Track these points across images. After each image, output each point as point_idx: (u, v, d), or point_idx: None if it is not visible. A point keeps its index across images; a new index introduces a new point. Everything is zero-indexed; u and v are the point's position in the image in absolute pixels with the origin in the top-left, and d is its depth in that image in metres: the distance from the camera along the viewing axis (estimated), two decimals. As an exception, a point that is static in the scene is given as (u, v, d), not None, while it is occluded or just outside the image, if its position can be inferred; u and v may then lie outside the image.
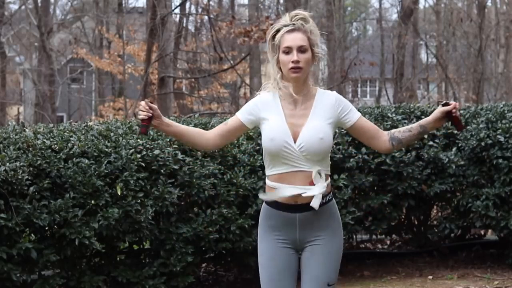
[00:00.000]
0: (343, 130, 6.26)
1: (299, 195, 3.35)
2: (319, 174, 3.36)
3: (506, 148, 6.59)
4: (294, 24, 3.36)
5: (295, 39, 3.34)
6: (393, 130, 3.48)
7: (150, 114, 3.36)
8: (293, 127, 3.36)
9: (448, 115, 3.40)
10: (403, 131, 3.47)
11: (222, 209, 5.96)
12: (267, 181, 3.44)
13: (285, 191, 3.35)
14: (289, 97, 3.40)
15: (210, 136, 3.48)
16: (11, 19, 25.87)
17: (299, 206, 3.36)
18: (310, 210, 3.36)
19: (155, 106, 3.40)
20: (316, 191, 3.34)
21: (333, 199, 3.48)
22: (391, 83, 26.57)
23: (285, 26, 3.37)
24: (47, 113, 22.10)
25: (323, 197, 3.37)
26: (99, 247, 5.47)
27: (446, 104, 3.37)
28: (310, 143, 3.32)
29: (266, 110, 3.41)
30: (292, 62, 3.32)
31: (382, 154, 6.62)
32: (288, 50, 3.34)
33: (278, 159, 3.36)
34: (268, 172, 3.43)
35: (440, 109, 3.41)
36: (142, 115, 3.36)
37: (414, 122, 7.07)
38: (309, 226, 3.39)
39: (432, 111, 7.22)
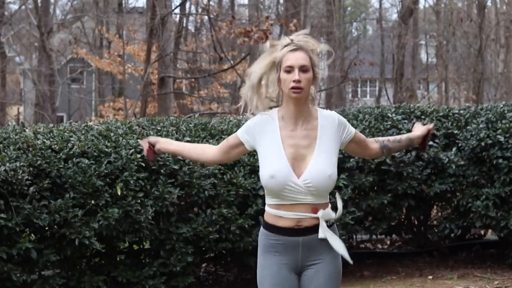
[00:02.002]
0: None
1: (303, 218, 3.25)
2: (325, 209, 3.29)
3: (506, 148, 6.58)
4: (296, 44, 3.27)
5: (297, 59, 3.23)
6: (381, 139, 3.53)
7: (147, 147, 3.65)
8: (295, 158, 3.24)
9: (427, 134, 3.60)
10: (392, 141, 3.51)
11: (222, 209, 5.96)
12: (267, 208, 3.33)
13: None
14: (289, 117, 3.28)
15: (212, 151, 3.46)
16: (11, 19, 25.88)
17: (302, 229, 3.27)
18: (313, 233, 3.27)
19: (150, 139, 3.68)
20: (325, 233, 3.27)
21: (335, 222, 3.39)
22: (391, 83, 26.58)
23: (287, 45, 3.27)
24: (47, 113, 22.10)
25: (326, 221, 3.29)
26: (99, 247, 5.47)
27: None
28: (317, 180, 3.21)
29: (262, 134, 3.29)
30: (294, 81, 3.21)
31: (382, 154, 6.62)
32: (289, 69, 3.23)
33: (279, 194, 3.25)
34: (267, 200, 3.32)
35: (426, 126, 3.58)
36: (144, 152, 3.71)
37: (414, 122, 7.12)
38: (312, 248, 3.31)
39: (432, 111, 7.27)
